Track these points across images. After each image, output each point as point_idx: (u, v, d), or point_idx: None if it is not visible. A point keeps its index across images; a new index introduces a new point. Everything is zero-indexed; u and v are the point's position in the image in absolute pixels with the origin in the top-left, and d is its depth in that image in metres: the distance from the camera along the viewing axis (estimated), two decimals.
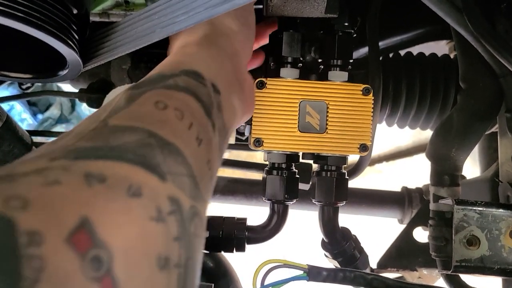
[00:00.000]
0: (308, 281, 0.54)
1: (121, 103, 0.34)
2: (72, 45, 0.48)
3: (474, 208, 0.52)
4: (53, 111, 1.77)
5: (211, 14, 0.39)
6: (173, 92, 0.36)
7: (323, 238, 0.65)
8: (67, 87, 1.33)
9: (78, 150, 0.28)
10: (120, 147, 0.29)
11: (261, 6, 0.58)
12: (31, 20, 0.43)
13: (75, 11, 0.49)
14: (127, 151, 0.29)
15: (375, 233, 1.26)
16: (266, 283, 0.53)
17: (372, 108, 0.60)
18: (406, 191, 0.93)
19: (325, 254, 0.66)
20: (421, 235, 0.76)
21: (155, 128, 0.32)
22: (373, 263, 0.76)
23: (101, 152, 0.28)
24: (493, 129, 0.72)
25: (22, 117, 1.76)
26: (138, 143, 0.30)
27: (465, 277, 0.63)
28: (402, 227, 0.80)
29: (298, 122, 0.59)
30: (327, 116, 0.60)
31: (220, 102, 0.41)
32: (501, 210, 0.52)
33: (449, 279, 0.60)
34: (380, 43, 0.74)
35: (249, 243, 0.62)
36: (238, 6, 0.38)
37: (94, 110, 1.05)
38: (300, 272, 0.54)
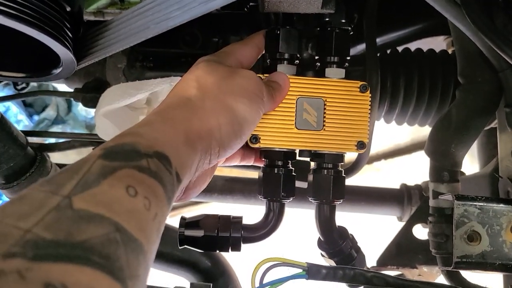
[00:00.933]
0: (307, 279, 0.54)
1: (91, 177, 0.32)
2: (66, 43, 0.47)
3: (475, 203, 0.51)
4: (49, 112, 1.76)
5: (205, 9, 0.38)
6: (144, 177, 0.35)
7: (319, 237, 0.64)
8: (62, 87, 1.33)
9: (37, 245, 0.26)
10: (84, 245, 0.28)
11: (256, 4, 0.58)
12: (24, 17, 0.43)
13: (68, 9, 0.48)
14: (92, 250, 0.28)
15: (375, 231, 1.26)
16: (265, 281, 0.52)
17: (370, 105, 0.59)
18: (405, 188, 0.92)
19: (321, 254, 0.66)
20: (420, 232, 0.76)
21: (122, 219, 0.31)
22: (373, 261, 0.75)
23: (63, 250, 0.26)
24: (492, 125, 0.72)
25: (18, 118, 1.75)
26: (103, 239, 0.29)
27: (465, 274, 0.63)
28: (401, 224, 0.80)
29: (295, 119, 0.59)
30: (324, 113, 0.59)
31: (178, 189, 0.41)
32: (501, 205, 0.51)
33: (450, 275, 0.60)
34: (378, 40, 0.73)
35: (245, 242, 0.61)
36: (231, 1, 0.38)
37: (90, 109, 1.04)
38: (299, 271, 0.54)
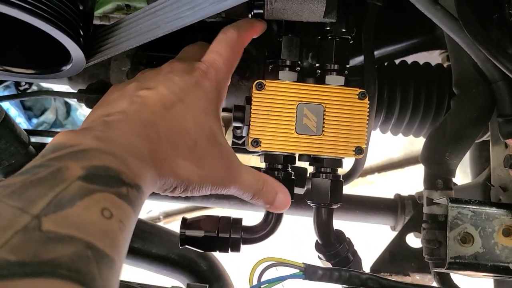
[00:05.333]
0: (304, 279, 0.55)
1: (65, 197, 0.32)
2: (78, 40, 0.49)
3: (468, 206, 0.53)
4: (48, 116, 1.77)
5: (216, 9, 0.40)
6: (122, 203, 0.36)
7: (317, 240, 0.65)
8: (63, 90, 1.34)
9: (2, 267, 0.26)
10: (52, 262, 0.27)
11: (261, 11, 0.60)
12: (39, 12, 0.44)
13: (81, 7, 0.49)
14: (60, 266, 0.27)
15: (369, 239, 1.27)
16: (262, 280, 0.53)
17: (368, 112, 0.61)
18: (399, 198, 0.94)
19: (318, 256, 0.67)
20: (413, 240, 0.77)
21: (95, 239, 0.31)
22: (366, 268, 0.76)
23: (28, 269, 0.26)
24: (484, 138, 0.74)
25: (16, 121, 1.74)
26: (73, 256, 0.28)
27: (457, 281, 0.64)
28: (394, 234, 0.81)
29: (296, 124, 0.60)
30: (323, 118, 0.61)
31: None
32: (494, 208, 0.53)
33: (442, 279, 0.61)
34: (376, 52, 0.76)
35: (244, 243, 0.62)
36: (242, 1, 0.39)
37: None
38: (296, 271, 0.55)
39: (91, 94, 0.74)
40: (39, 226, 0.29)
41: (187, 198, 0.91)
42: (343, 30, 0.63)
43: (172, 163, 0.45)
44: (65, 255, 0.28)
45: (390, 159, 2.12)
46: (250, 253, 0.65)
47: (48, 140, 1.17)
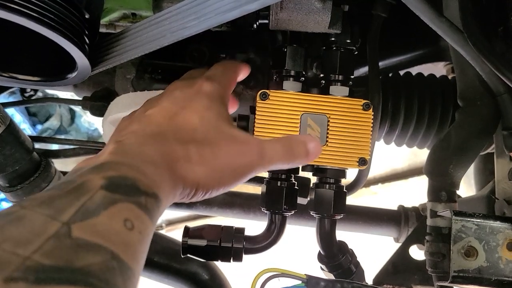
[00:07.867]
0: None
1: (91, 206, 0.34)
2: (83, 47, 0.49)
3: (472, 219, 0.52)
4: (53, 122, 1.78)
5: (222, 19, 0.40)
6: (141, 214, 0.37)
7: (319, 251, 0.65)
8: (68, 97, 1.35)
9: (38, 270, 0.27)
10: (84, 270, 0.29)
11: (266, 21, 0.60)
12: (45, 20, 0.44)
13: (87, 16, 0.50)
14: (91, 275, 0.29)
15: (371, 251, 1.26)
16: None
17: (372, 123, 0.61)
18: (402, 210, 0.93)
19: (321, 267, 0.67)
20: (417, 253, 0.77)
21: (119, 250, 0.33)
22: (368, 280, 0.76)
23: (63, 275, 0.28)
24: (488, 150, 0.73)
25: (21, 127, 1.75)
26: (102, 266, 0.30)
27: None
28: (397, 245, 0.80)
29: (299, 134, 0.60)
30: (327, 129, 0.61)
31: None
32: (498, 222, 0.53)
33: None
34: (380, 63, 0.76)
35: (246, 253, 0.62)
36: (248, 12, 0.39)
37: (92, 122, 1.05)
38: (299, 282, 0.54)
39: (96, 102, 0.74)
40: (69, 233, 0.31)
41: (197, 206, 0.91)
42: (348, 41, 0.63)
43: (187, 162, 0.46)
44: (95, 264, 0.30)
45: (394, 170, 2.11)
46: (252, 263, 0.65)
47: (52, 146, 1.17)
